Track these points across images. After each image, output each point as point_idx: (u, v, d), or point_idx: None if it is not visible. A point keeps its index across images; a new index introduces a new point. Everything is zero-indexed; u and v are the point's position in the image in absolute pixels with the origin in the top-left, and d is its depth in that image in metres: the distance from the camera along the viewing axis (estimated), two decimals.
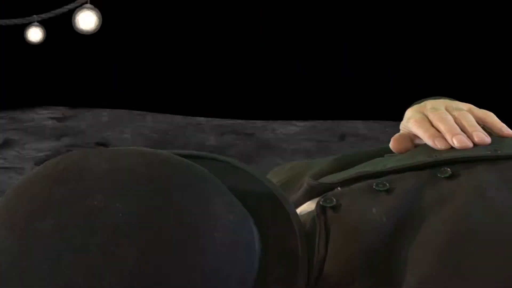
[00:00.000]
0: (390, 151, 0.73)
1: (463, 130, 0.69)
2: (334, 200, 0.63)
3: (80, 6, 1.25)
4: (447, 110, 0.72)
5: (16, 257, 0.54)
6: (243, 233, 0.59)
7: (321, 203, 0.63)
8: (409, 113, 0.75)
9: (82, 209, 0.55)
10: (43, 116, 2.75)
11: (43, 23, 1.28)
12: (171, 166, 0.59)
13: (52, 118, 2.73)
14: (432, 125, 0.71)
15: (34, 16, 1.23)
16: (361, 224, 0.60)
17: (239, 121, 2.76)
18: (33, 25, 1.21)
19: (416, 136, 0.73)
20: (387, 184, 0.64)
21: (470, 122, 0.70)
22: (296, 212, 0.61)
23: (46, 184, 0.57)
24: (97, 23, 1.29)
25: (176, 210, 0.56)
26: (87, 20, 1.17)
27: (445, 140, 0.69)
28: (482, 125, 0.71)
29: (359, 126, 2.85)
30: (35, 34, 1.23)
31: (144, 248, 0.54)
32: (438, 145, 0.69)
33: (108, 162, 0.58)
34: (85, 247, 0.54)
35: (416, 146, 0.73)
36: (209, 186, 0.60)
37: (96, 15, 1.28)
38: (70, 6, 1.28)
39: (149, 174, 0.57)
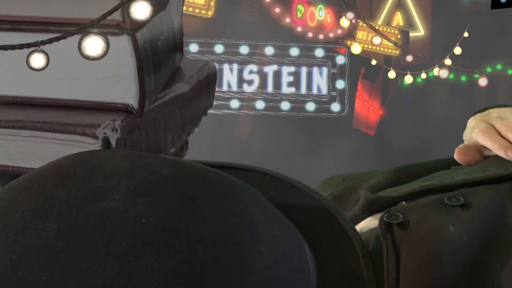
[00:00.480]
0: (454, 163, 0.67)
1: None
2: (401, 216, 0.56)
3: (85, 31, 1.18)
4: None
5: (8, 266, 0.42)
6: (294, 250, 0.47)
7: (385, 219, 0.55)
8: (472, 122, 0.68)
9: (94, 212, 0.43)
10: None
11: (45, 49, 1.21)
12: (199, 170, 0.47)
13: None
14: (501, 135, 0.65)
15: (38, 41, 1.16)
16: (437, 244, 0.52)
17: None
18: (36, 50, 1.14)
19: (482, 147, 0.66)
20: (461, 199, 0.56)
21: None
22: (355, 228, 0.53)
23: (48, 180, 0.45)
24: (104, 49, 1.22)
25: (211, 218, 0.44)
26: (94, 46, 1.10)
27: None
28: None
29: None
30: (38, 60, 1.15)
31: (172, 264, 0.41)
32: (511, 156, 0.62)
33: (126, 159, 0.46)
34: (97, 258, 0.41)
35: (486, 157, 0.66)
36: (246, 195, 0.48)
37: (104, 41, 1.21)
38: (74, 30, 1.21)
39: (177, 175, 0.45)
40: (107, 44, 1.16)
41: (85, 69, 1.42)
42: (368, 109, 4.05)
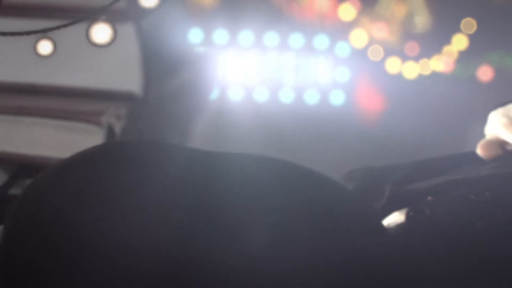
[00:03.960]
0: (478, 157, 0.66)
1: None
2: (428, 211, 0.55)
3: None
4: None
5: None
6: None
7: (411, 214, 0.55)
8: (494, 117, 0.68)
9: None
10: None
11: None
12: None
13: None
14: None
15: (45, 28, 1.15)
16: (464, 239, 0.52)
17: None
18: (44, 37, 1.13)
19: (504, 142, 0.66)
20: (487, 194, 0.56)
21: None
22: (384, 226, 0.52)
23: None
24: (112, 36, 1.21)
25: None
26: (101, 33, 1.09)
27: None
28: None
29: None
30: (45, 47, 1.15)
31: None
32: None
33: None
34: None
35: (508, 152, 0.66)
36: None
37: (111, 28, 1.20)
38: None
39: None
40: (115, 32, 1.15)
41: (90, 57, 1.41)
42: (370, 100, 4.05)
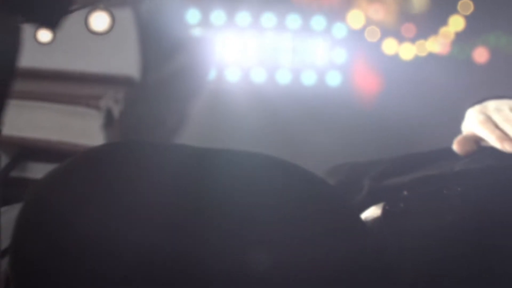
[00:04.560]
0: (453, 154, 0.69)
1: None
2: (402, 205, 0.59)
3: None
4: (511, 111, 0.68)
5: None
6: None
7: (386, 207, 0.58)
8: (471, 114, 0.71)
9: None
10: None
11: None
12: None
13: None
14: (497, 127, 0.67)
15: None
16: (436, 231, 0.55)
17: None
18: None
19: (480, 138, 0.69)
20: (459, 189, 0.59)
21: None
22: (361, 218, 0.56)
23: None
24: (110, 24, 1.24)
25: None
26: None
27: None
28: None
29: None
30: (45, 35, 1.17)
31: None
32: (508, 147, 0.65)
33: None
34: None
35: (483, 148, 0.69)
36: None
37: (110, 16, 1.23)
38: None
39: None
40: (113, 19, 1.18)
41: (89, 42, 1.43)
42: (367, 81, 4.06)
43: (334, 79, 2.94)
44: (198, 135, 2.07)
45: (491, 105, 0.69)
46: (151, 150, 0.53)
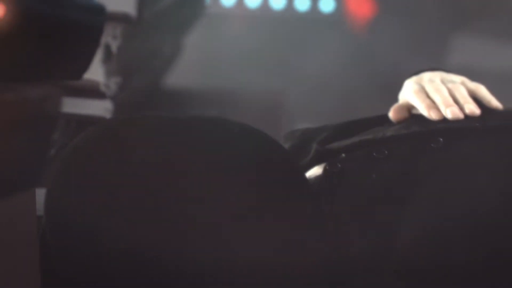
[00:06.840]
0: (388, 120, 0.80)
1: (456, 101, 0.76)
2: (339, 165, 0.71)
3: None
4: (442, 82, 0.79)
5: None
6: None
7: (327, 168, 0.70)
8: (407, 84, 0.81)
9: None
10: None
11: None
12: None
13: None
14: (428, 96, 0.78)
15: None
16: (362, 187, 0.68)
17: None
18: None
19: (413, 106, 0.79)
20: (386, 152, 0.71)
21: (462, 94, 0.76)
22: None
23: None
24: None
25: None
26: None
27: (439, 111, 0.76)
28: (473, 97, 0.77)
29: None
30: None
31: None
32: (433, 115, 0.76)
33: None
34: None
35: (413, 115, 0.80)
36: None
37: None
38: None
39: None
40: None
41: None
42: (360, 6, 4.05)
43: (327, 5, 2.99)
44: (193, 62, 2.16)
45: (426, 76, 0.80)
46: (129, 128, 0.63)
